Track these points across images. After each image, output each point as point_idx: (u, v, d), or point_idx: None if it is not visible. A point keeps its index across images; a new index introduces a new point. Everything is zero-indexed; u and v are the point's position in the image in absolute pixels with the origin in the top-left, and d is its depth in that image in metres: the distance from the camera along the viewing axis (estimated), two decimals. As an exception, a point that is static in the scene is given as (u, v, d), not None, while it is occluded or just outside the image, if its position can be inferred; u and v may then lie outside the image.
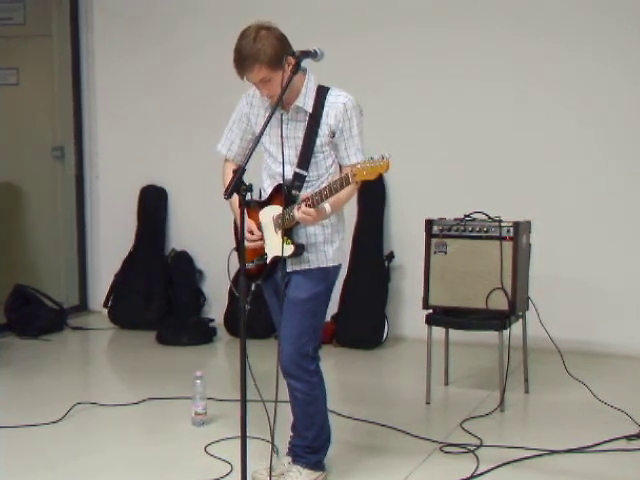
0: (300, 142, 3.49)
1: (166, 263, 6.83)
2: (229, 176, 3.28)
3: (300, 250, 3.51)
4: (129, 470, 3.92)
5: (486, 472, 3.85)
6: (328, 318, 6.00)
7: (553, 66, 5.77)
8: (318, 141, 3.48)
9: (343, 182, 3.30)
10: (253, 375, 3.24)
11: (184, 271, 6.76)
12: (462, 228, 4.78)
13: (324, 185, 3.43)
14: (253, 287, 3.60)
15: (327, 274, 3.60)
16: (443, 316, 4.84)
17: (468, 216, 4.84)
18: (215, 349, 6.19)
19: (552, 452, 4.06)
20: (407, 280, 6.14)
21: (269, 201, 3.58)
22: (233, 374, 4.90)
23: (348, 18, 6.18)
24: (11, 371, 5.52)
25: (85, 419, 4.60)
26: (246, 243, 3.52)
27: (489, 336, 4.77)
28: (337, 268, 3.64)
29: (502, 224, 4.70)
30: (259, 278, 3.61)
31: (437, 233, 4.82)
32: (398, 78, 6.10)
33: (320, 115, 3.46)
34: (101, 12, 6.98)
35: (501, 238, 4.68)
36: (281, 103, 3.42)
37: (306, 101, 3.47)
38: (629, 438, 4.21)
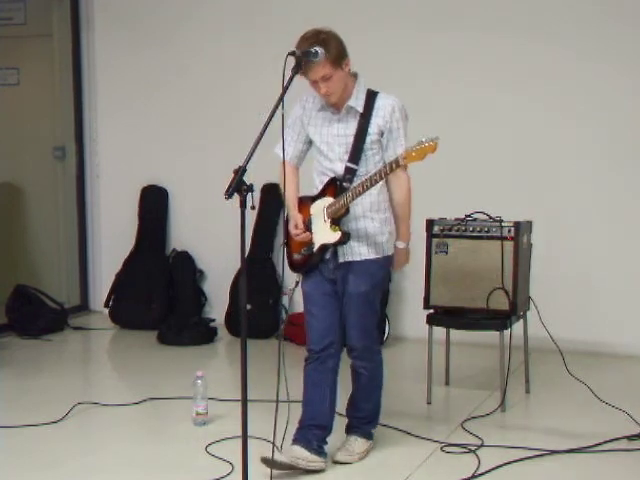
0: (350, 140, 3.76)
1: (167, 263, 6.83)
2: (288, 175, 3.75)
3: (347, 237, 3.76)
4: (130, 470, 3.92)
5: (487, 472, 3.85)
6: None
7: (553, 67, 5.77)
8: (368, 139, 3.75)
9: (392, 165, 3.61)
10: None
11: (185, 271, 6.76)
12: (463, 228, 4.78)
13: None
14: (298, 278, 3.91)
15: (381, 264, 3.88)
16: (444, 316, 4.84)
17: (469, 216, 4.84)
18: (216, 349, 6.19)
19: (553, 452, 4.06)
20: (408, 280, 6.13)
21: (321, 195, 3.83)
22: (234, 374, 4.90)
23: (348, 19, 6.16)
24: (12, 371, 5.52)
25: (86, 419, 4.60)
26: (293, 235, 3.82)
27: (490, 336, 4.77)
28: (388, 258, 3.90)
29: (503, 224, 4.70)
30: (304, 268, 3.86)
31: (438, 233, 4.82)
32: (398, 78, 6.09)
33: (370, 115, 3.76)
34: (102, 12, 6.98)
35: (502, 238, 4.68)
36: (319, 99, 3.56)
37: (357, 102, 3.76)
38: (630, 438, 4.21)
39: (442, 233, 4.81)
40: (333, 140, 3.80)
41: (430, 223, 4.84)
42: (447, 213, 4.91)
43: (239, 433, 3.18)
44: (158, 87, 6.83)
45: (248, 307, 3.20)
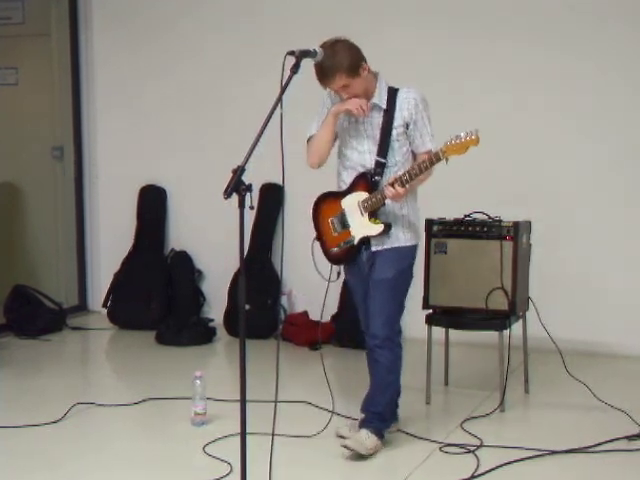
0: (377, 134, 3.92)
1: (165, 263, 6.83)
2: (318, 142, 3.96)
3: (388, 228, 3.94)
4: (128, 470, 3.92)
5: (486, 472, 3.84)
6: (328, 318, 6.01)
7: (552, 67, 5.76)
8: (394, 132, 3.91)
9: (433, 159, 3.77)
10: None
11: (183, 271, 6.75)
12: (462, 228, 4.78)
13: (402, 170, 3.88)
14: (339, 269, 4.11)
15: (408, 252, 4.04)
16: (443, 316, 4.84)
17: (468, 216, 4.83)
18: (214, 349, 6.18)
19: (552, 452, 4.06)
20: (407, 280, 6.13)
21: (350, 190, 3.98)
22: (233, 374, 4.89)
23: (347, 18, 6.17)
24: (11, 371, 5.52)
25: (85, 419, 4.60)
26: (354, 103, 3.87)
27: (489, 336, 4.76)
28: (415, 247, 4.09)
29: (502, 224, 4.70)
30: (344, 261, 4.07)
31: (437, 233, 4.82)
32: (397, 78, 6.08)
33: (394, 110, 3.92)
34: (100, 11, 6.98)
35: (501, 238, 4.68)
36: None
37: (381, 99, 3.92)
38: (629, 438, 4.21)
39: (441, 233, 4.81)
40: (361, 134, 3.96)
41: (429, 223, 4.84)
42: (446, 213, 4.90)
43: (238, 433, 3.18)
44: (156, 87, 6.83)
45: (247, 307, 3.18)
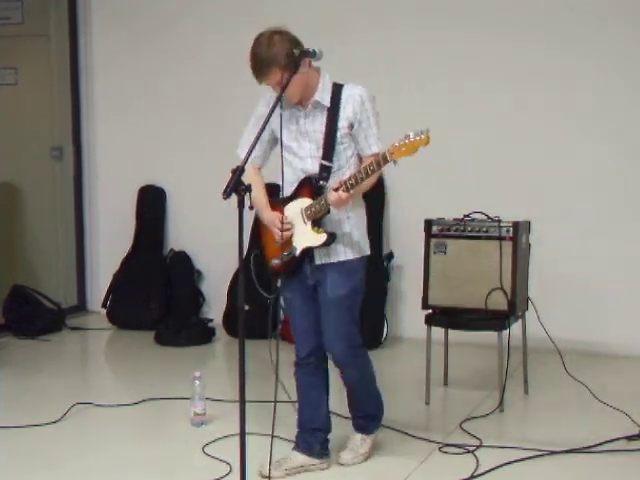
0: (320, 136, 3.61)
1: (165, 263, 6.82)
2: (252, 177, 3.58)
3: (332, 238, 3.62)
4: (127, 470, 3.92)
5: (486, 472, 3.84)
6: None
7: (552, 67, 5.76)
8: (338, 133, 3.60)
9: (380, 162, 3.43)
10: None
11: (183, 271, 6.75)
12: (461, 228, 4.78)
13: (347, 174, 3.57)
14: (279, 283, 3.72)
15: (358, 266, 3.73)
16: (442, 316, 4.83)
17: (467, 216, 4.83)
18: (214, 349, 6.18)
19: (552, 452, 4.05)
20: (406, 280, 6.13)
21: (294, 196, 3.67)
22: (232, 374, 4.89)
23: (347, 18, 6.18)
24: (10, 371, 5.51)
25: (84, 419, 4.59)
26: (276, 235, 3.66)
27: (488, 336, 4.76)
28: (364, 259, 3.77)
29: (501, 224, 4.69)
30: (285, 273, 3.71)
31: (436, 233, 4.81)
32: (397, 78, 6.09)
33: (338, 108, 3.60)
34: (99, 11, 6.97)
35: (501, 238, 4.67)
36: (284, 100, 3.44)
37: (324, 96, 3.60)
38: (629, 438, 4.20)
39: (441, 233, 4.81)
40: (302, 137, 3.65)
41: (429, 223, 4.83)
42: (446, 213, 4.90)
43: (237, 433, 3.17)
44: (156, 87, 6.83)
45: (246, 307, 3.17)
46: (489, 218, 4.77)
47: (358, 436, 3.97)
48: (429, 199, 5.90)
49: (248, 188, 3.09)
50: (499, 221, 4.71)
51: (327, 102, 3.60)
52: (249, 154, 3.24)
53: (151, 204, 6.91)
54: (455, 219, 4.81)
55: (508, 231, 4.68)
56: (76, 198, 7.17)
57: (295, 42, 3.53)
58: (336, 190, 3.48)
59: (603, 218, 5.75)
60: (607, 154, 5.72)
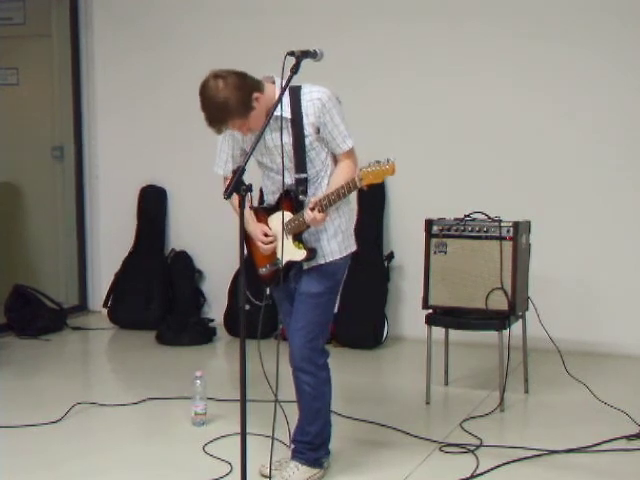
0: (290, 148, 3.54)
1: (166, 263, 6.83)
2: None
3: (313, 254, 3.59)
4: (128, 470, 3.92)
5: (486, 472, 3.84)
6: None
7: (552, 67, 5.76)
8: (307, 141, 3.53)
9: (351, 187, 3.38)
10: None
11: (184, 271, 6.76)
12: (462, 228, 4.78)
13: (326, 181, 3.56)
14: (268, 291, 3.69)
15: (336, 268, 3.66)
16: (443, 316, 4.84)
17: (468, 216, 4.84)
18: (215, 349, 6.18)
19: (552, 452, 4.06)
20: (407, 280, 6.14)
21: (277, 207, 3.62)
22: (233, 374, 4.89)
23: (347, 16, 6.18)
24: (11, 371, 5.52)
25: (85, 419, 4.60)
26: (261, 248, 3.63)
27: (489, 336, 4.77)
28: (345, 259, 3.70)
29: (502, 224, 4.70)
30: (272, 283, 3.68)
31: (437, 233, 4.82)
32: (398, 77, 6.10)
33: (300, 117, 3.51)
34: (101, 12, 6.98)
35: (501, 238, 4.68)
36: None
37: (283, 108, 3.46)
38: (629, 438, 4.21)
39: (441, 233, 4.81)
40: (271, 152, 3.59)
41: (429, 223, 4.84)
42: (446, 213, 4.90)
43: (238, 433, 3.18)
44: (157, 87, 6.83)
45: (247, 307, 3.18)
46: (489, 218, 4.78)
47: (292, 464, 3.74)
48: (429, 199, 5.90)
49: (249, 188, 3.10)
50: (499, 221, 4.72)
51: (288, 113, 3.50)
52: (246, 161, 3.21)
53: (152, 204, 6.92)
54: (455, 219, 4.82)
55: (508, 231, 4.69)
56: (77, 198, 7.18)
57: (242, 84, 3.42)
58: (312, 209, 3.43)
59: (602, 218, 5.75)
60: (607, 154, 5.72)
